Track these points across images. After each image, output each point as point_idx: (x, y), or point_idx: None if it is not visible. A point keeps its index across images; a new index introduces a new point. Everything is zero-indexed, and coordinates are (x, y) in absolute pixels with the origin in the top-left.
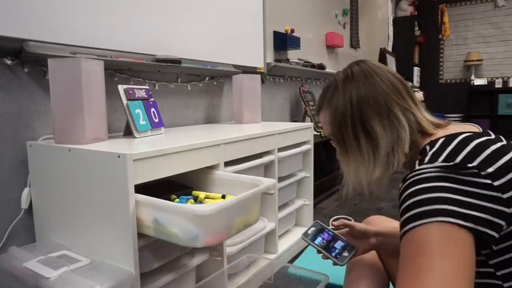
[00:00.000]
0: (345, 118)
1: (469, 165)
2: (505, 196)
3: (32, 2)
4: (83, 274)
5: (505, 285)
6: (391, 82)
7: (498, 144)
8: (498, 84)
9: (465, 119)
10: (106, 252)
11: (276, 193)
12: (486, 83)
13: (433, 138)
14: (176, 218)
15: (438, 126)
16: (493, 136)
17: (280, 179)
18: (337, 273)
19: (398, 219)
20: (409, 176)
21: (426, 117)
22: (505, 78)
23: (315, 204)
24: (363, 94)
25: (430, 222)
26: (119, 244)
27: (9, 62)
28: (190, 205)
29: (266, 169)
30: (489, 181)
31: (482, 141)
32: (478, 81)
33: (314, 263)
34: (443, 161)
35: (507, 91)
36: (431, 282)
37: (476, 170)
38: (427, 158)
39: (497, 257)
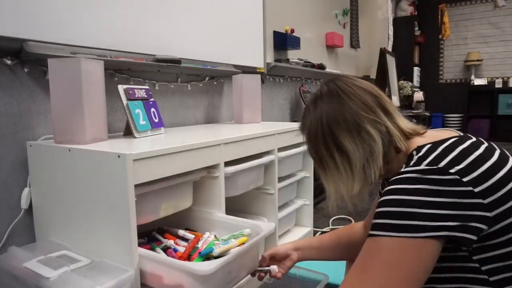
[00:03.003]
0: (317, 138)
1: (451, 170)
2: (486, 201)
3: (32, 2)
4: (83, 274)
5: (491, 279)
6: (359, 98)
7: (481, 149)
8: (498, 84)
9: (465, 119)
10: (106, 252)
11: (276, 193)
12: (486, 83)
13: (419, 143)
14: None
15: (413, 134)
16: (474, 139)
17: (280, 179)
18: (337, 273)
19: None
20: (393, 177)
21: (400, 126)
22: (505, 78)
23: (315, 204)
24: (331, 113)
25: (396, 236)
26: (119, 244)
27: (9, 62)
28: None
29: (266, 169)
30: (470, 188)
31: (466, 147)
32: (478, 81)
33: (314, 263)
34: (427, 164)
35: (507, 91)
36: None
37: (457, 177)
38: (412, 162)
39: (481, 253)
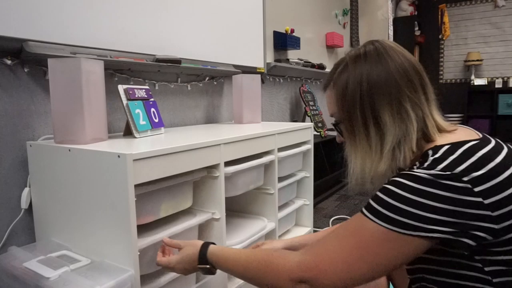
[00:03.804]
0: (354, 101)
1: (464, 178)
2: (495, 214)
3: (32, 2)
4: (83, 274)
5: (495, 280)
6: (405, 70)
7: (502, 155)
8: (498, 84)
9: (465, 119)
10: (106, 252)
11: (276, 193)
12: (486, 83)
13: (437, 143)
14: None
15: (442, 130)
16: (494, 143)
17: (280, 179)
18: None
19: None
20: (403, 171)
21: (434, 117)
22: (505, 78)
23: (315, 204)
24: (375, 78)
25: (383, 226)
26: (119, 244)
27: (9, 62)
28: None
29: (266, 169)
30: (479, 199)
31: (486, 152)
32: (478, 81)
33: None
34: (443, 169)
35: (507, 91)
36: (341, 257)
37: (469, 186)
38: (426, 164)
39: (483, 255)
